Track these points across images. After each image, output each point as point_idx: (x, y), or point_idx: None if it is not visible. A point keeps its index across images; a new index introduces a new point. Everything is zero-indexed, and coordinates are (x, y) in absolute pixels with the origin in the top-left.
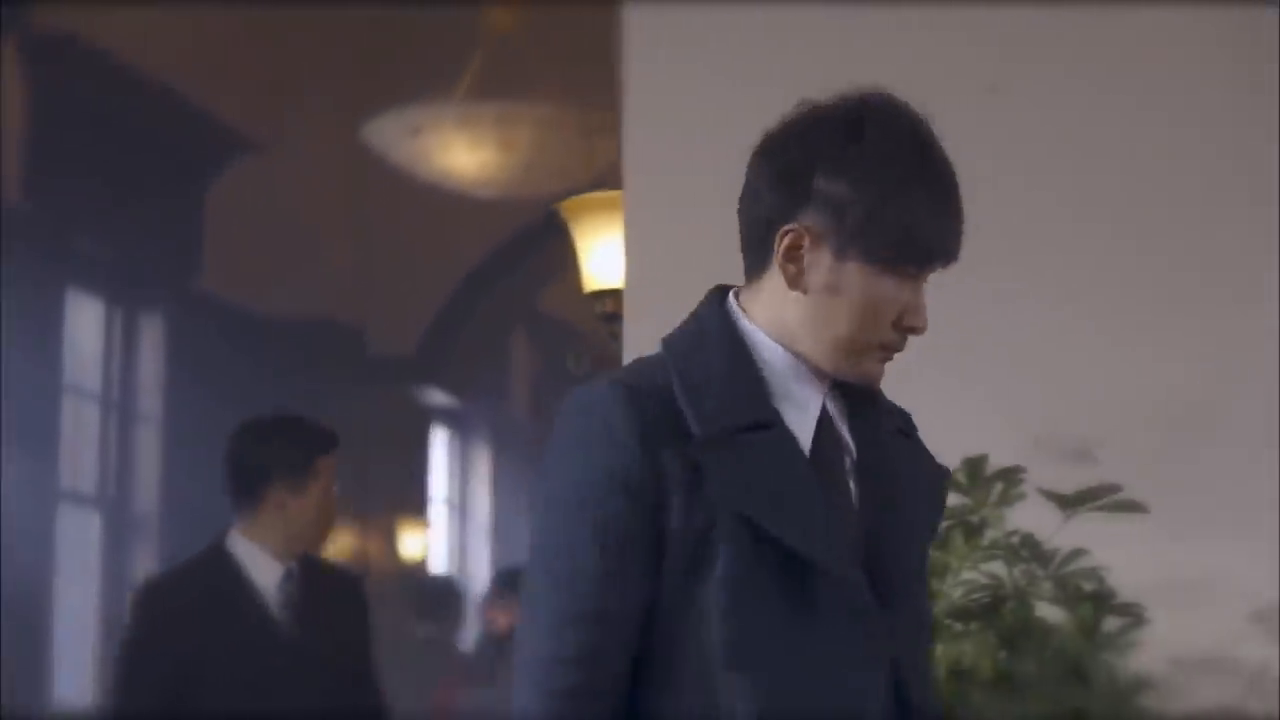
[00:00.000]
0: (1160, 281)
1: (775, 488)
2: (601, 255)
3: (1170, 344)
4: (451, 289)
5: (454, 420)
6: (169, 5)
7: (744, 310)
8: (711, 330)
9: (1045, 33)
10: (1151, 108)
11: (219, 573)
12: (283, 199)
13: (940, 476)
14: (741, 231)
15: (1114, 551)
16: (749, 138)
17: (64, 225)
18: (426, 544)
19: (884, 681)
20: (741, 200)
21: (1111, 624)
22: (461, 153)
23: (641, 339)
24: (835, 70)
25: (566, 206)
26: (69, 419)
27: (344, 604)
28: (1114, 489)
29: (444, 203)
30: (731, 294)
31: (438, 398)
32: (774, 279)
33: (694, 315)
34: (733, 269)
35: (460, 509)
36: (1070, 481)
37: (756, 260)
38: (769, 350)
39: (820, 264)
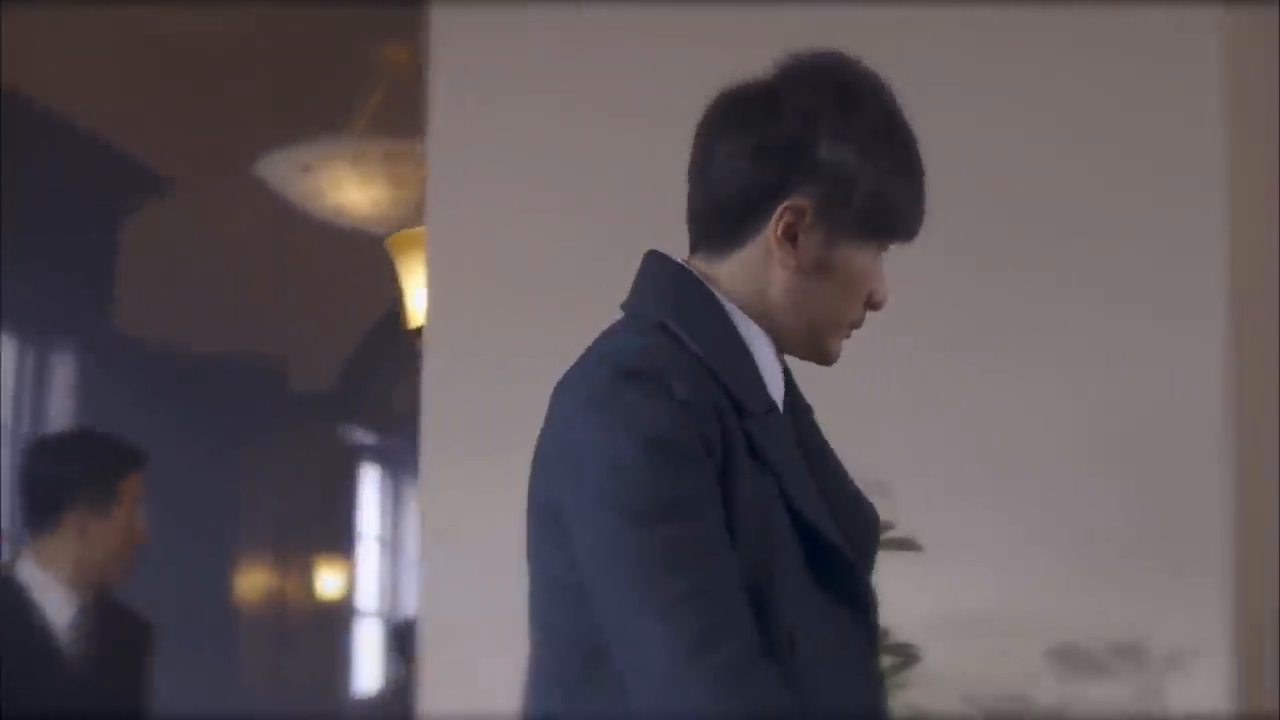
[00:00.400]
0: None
1: (798, 467)
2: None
3: (970, 374)
4: (372, 323)
5: (383, 456)
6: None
7: (706, 280)
8: (704, 308)
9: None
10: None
11: (3, 604)
12: (200, 237)
13: (854, 487)
14: (700, 204)
15: (897, 589)
16: (559, 171)
17: None
18: (352, 582)
19: (875, 653)
20: (700, 172)
21: (884, 663)
22: (353, 189)
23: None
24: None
25: (391, 242)
26: None
27: (133, 651)
28: (887, 526)
29: (362, 238)
30: (684, 261)
31: (365, 435)
32: (753, 254)
33: (670, 292)
34: (539, 302)
35: (391, 546)
36: None
37: (727, 233)
38: (746, 327)
39: (813, 241)
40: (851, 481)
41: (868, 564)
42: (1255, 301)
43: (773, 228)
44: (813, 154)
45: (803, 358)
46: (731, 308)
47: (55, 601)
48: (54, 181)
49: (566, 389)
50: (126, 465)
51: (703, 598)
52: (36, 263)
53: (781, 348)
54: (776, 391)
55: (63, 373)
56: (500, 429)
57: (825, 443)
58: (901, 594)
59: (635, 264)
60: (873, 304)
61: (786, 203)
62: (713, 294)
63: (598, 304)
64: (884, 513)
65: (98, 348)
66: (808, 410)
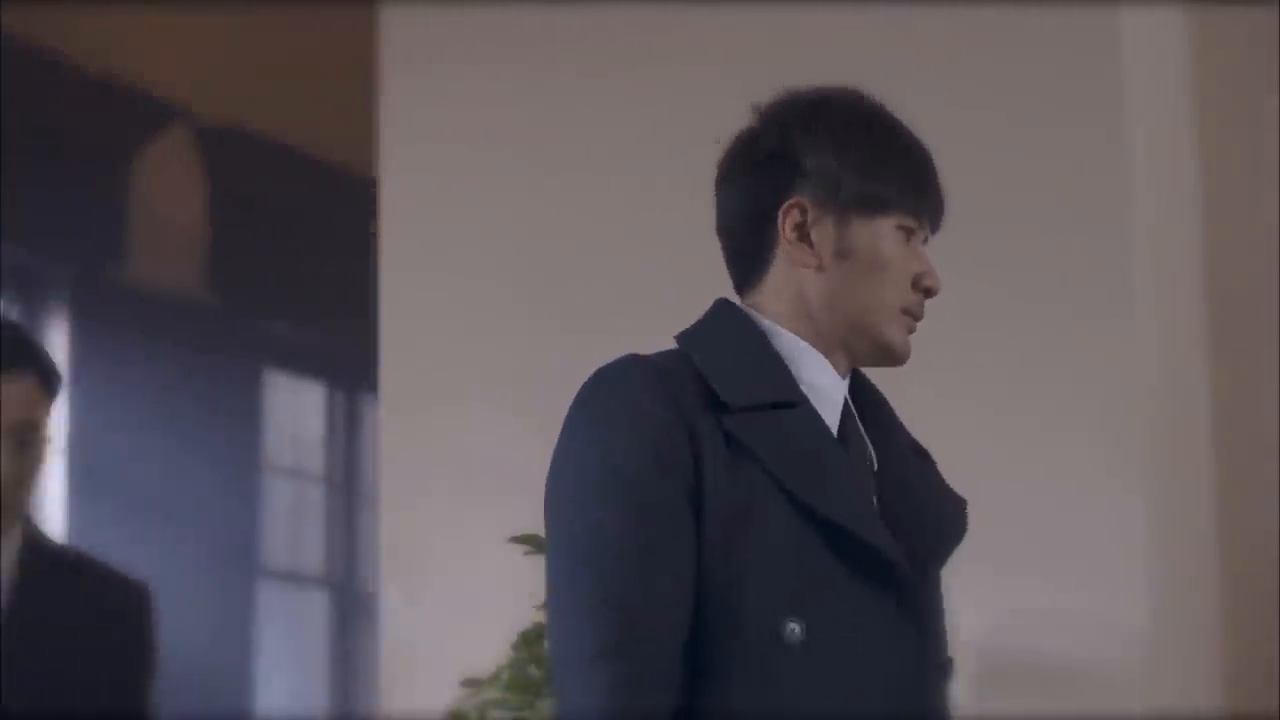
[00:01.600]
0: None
1: (812, 462)
2: None
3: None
4: None
5: None
6: None
7: (751, 309)
8: (727, 324)
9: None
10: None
11: None
12: None
13: (960, 502)
14: (727, 249)
15: None
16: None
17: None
18: None
19: (919, 662)
20: (719, 221)
21: None
22: None
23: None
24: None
25: None
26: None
27: (97, 622)
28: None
29: None
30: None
31: None
32: (779, 270)
33: (704, 319)
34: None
35: None
36: None
37: (753, 262)
38: (788, 341)
39: (826, 233)
40: (931, 488)
41: (929, 568)
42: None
43: (783, 233)
44: (795, 158)
45: (872, 363)
46: (772, 326)
47: None
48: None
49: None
50: None
51: (627, 608)
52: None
53: (852, 360)
54: (819, 400)
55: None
56: None
57: (910, 455)
58: None
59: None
60: (924, 289)
61: (784, 205)
62: (745, 314)
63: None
64: None
65: None
66: (914, 450)
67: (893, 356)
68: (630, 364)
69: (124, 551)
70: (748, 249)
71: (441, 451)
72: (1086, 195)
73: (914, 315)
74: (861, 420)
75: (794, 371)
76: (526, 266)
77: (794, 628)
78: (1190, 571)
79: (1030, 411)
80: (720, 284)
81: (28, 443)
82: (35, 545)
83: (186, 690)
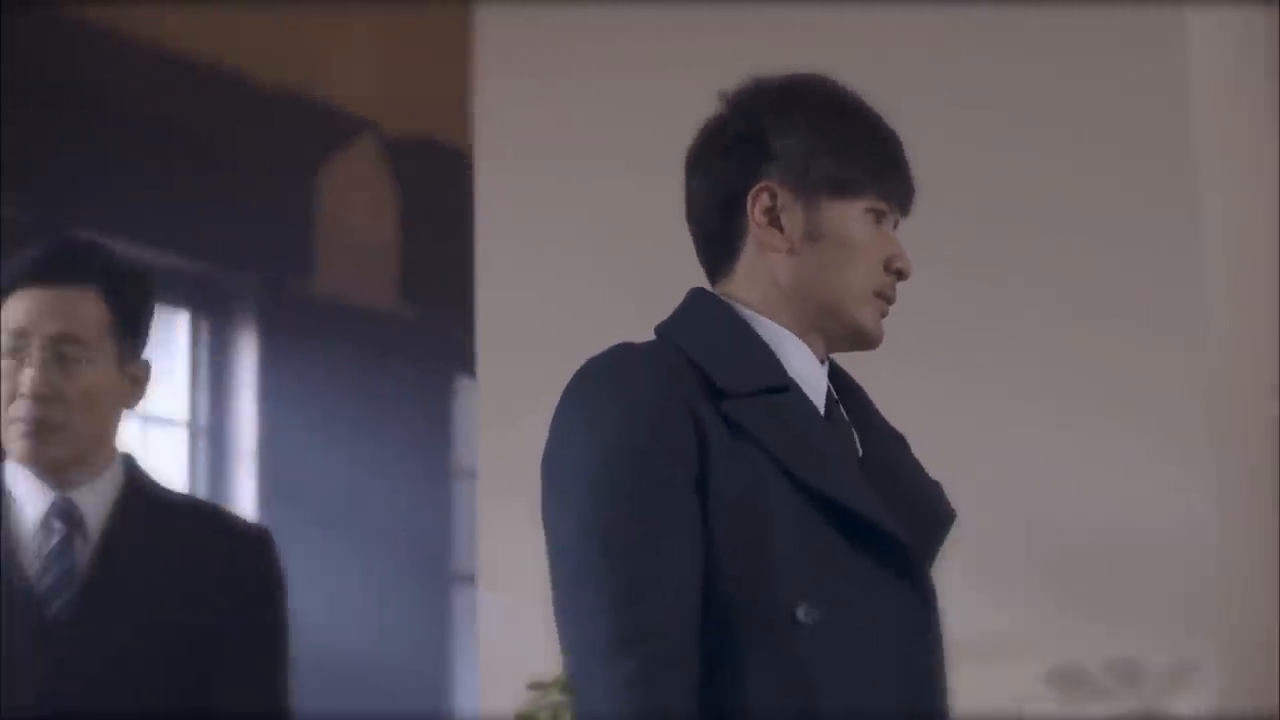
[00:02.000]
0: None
1: (811, 445)
2: None
3: (991, 394)
4: None
5: None
6: None
7: (729, 295)
8: (710, 312)
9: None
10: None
11: None
12: None
13: (937, 486)
14: (697, 236)
15: None
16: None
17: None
18: None
19: (925, 643)
20: (688, 209)
21: None
22: None
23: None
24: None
25: None
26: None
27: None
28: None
29: None
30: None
31: None
32: (750, 256)
33: (681, 309)
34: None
35: None
36: None
37: (724, 249)
38: (767, 327)
39: (795, 217)
40: (914, 472)
41: (927, 556)
42: (1241, 304)
43: (753, 217)
44: (764, 141)
45: (847, 347)
46: (748, 313)
47: (29, 499)
48: None
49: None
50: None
51: (641, 600)
52: None
53: (828, 345)
54: (805, 385)
55: None
56: None
57: (889, 440)
58: None
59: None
60: (895, 272)
61: (753, 189)
62: (724, 303)
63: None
64: None
65: None
66: (895, 437)
67: (866, 339)
68: (624, 351)
69: (315, 559)
70: (719, 236)
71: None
72: (1156, 200)
73: (886, 298)
74: (848, 409)
75: (780, 357)
76: (624, 266)
77: (808, 608)
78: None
79: (1102, 412)
80: None
81: (69, 358)
82: (138, 488)
83: (384, 696)
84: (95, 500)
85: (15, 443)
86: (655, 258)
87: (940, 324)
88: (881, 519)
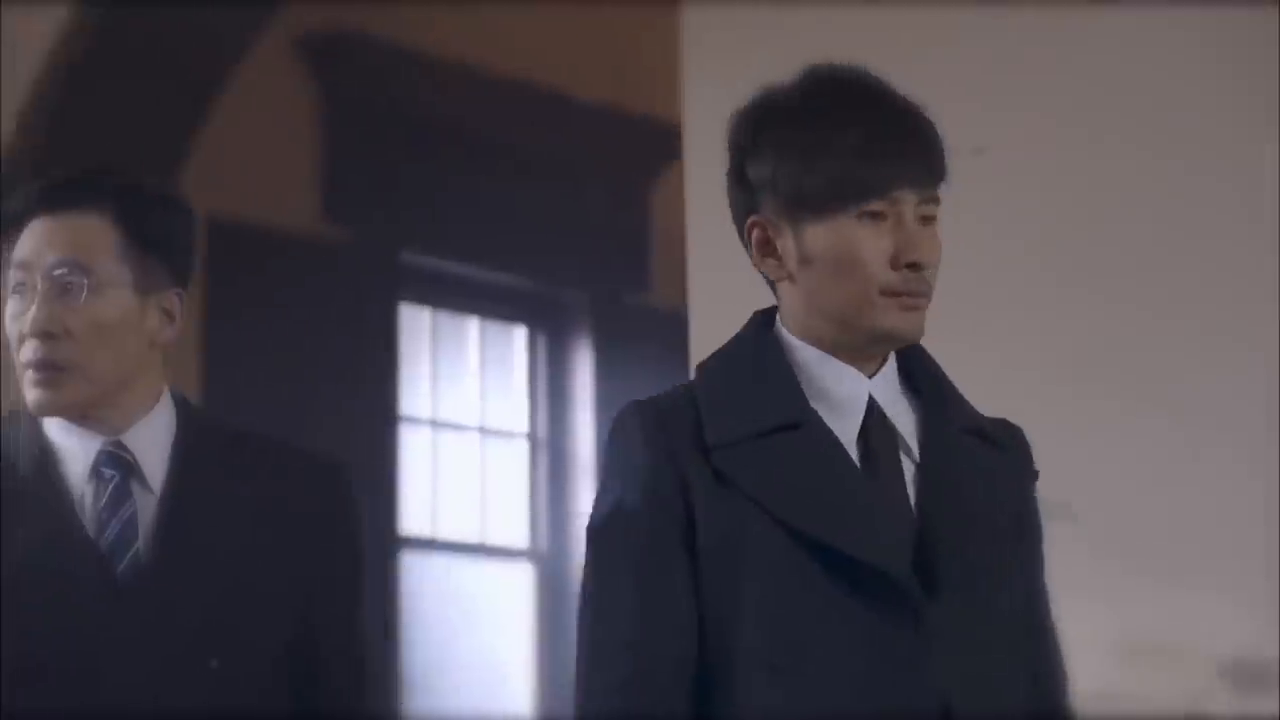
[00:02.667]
0: (1151, 346)
1: (806, 484)
2: None
3: (1147, 399)
4: None
5: None
6: None
7: (781, 322)
8: (744, 344)
9: (1032, 90)
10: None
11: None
12: None
13: (1019, 475)
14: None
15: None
16: None
17: None
18: None
19: (931, 678)
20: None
21: None
22: None
23: None
24: None
25: None
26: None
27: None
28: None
29: None
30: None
31: None
32: (778, 286)
33: (731, 341)
34: None
35: None
36: None
37: (768, 280)
38: (802, 352)
39: (787, 244)
40: (978, 482)
41: (975, 572)
42: None
43: (752, 253)
44: (744, 175)
45: (883, 350)
46: (794, 340)
47: (73, 447)
48: None
49: None
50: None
51: (626, 650)
52: None
53: (865, 355)
54: (834, 410)
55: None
56: None
57: (964, 440)
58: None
59: None
60: (907, 263)
61: (747, 225)
62: (762, 332)
63: None
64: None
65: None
66: (976, 434)
67: (894, 339)
68: (630, 413)
69: None
70: (758, 269)
71: None
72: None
73: (903, 292)
74: (925, 413)
75: (810, 384)
76: None
77: (786, 658)
78: None
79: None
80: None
81: (72, 288)
82: (195, 426)
83: None
84: (148, 442)
85: (29, 392)
86: None
87: (1054, 337)
88: (877, 559)
